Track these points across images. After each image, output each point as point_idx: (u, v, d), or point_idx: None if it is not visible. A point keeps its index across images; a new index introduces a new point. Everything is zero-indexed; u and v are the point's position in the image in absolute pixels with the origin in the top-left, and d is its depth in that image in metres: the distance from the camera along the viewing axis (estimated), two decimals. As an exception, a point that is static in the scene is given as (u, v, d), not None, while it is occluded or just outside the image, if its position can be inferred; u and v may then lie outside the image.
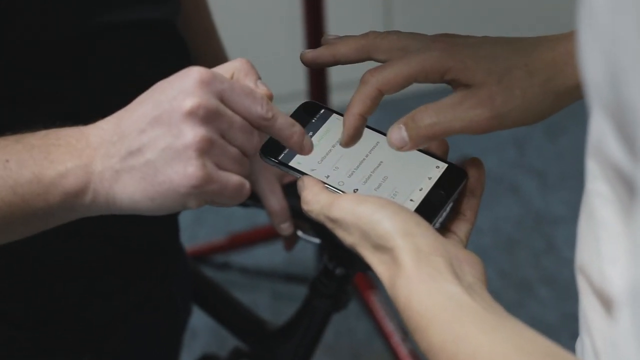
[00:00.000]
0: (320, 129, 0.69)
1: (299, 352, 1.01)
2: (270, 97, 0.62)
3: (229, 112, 0.60)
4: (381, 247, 0.57)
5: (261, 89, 0.62)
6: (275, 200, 1.00)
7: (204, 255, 1.97)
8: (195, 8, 1.02)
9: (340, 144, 0.67)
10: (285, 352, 1.02)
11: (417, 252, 0.56)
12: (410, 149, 0.65)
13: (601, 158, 0.46)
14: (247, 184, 0.61)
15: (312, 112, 0.70)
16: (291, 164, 0.67)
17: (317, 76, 1.81)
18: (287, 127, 0.63)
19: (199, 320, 1.18)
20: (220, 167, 0.60)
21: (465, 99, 0.64)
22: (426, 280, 0.55)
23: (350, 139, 0.66)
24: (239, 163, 0.61)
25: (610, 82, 0.41)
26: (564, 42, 0.66)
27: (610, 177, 0.46)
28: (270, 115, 0.61)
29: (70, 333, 0.88)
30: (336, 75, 1.97)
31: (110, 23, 0.76)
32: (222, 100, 0.60)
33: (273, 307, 1.94)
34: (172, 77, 0.61)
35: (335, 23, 1.93)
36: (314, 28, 1.73)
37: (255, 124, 0.61)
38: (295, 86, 2.14)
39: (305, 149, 0.65)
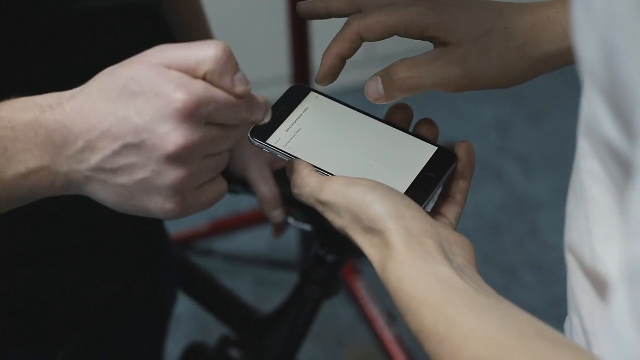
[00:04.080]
0: (309, 111, 0.68)
1: (289, 340, 1.00)
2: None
3: (213, 132, 0.56)
4: (372, 230, 0.57)
5: (239, 89, 0.56)
6: (266, 187, 0.99)
7: (186, 242, 1.96)
8: None
9: (315, 81, 0.69)
10: (275, 340, 1.01)
11: (408, 234, 0.56)
12: (385, 101, 0.67)
13: (593, 136, 0.46)
14: (224, 191, 0.61)
15: (301, 95, 0.70)
16: (280, 146, 0.66)
17: (300, 60, 1.79)
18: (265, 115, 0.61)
19: (181, 306, 1.17)
20: (198, 185, 0.58)
21: (440, 56, 0.66)
22: (417, 262, 0.54)
23: (324, 77, 0.69)
24: (218, 168, 0.59)
25: (606, 62, 0.40)
26: (547, 8, 0.67)
27: (602, 156, 0.45)
28: (257, 118, 0.60)
29: (51, 322, 0.87)
30: (319, 59, 1.96)
31: (89, 8, 0.74)
32: (207, 120, 0.56)
33: (256, 293, 1.93)
34: (147, 89, 0.54)
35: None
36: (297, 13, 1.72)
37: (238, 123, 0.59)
38: (278, 70, 2.13)
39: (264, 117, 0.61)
